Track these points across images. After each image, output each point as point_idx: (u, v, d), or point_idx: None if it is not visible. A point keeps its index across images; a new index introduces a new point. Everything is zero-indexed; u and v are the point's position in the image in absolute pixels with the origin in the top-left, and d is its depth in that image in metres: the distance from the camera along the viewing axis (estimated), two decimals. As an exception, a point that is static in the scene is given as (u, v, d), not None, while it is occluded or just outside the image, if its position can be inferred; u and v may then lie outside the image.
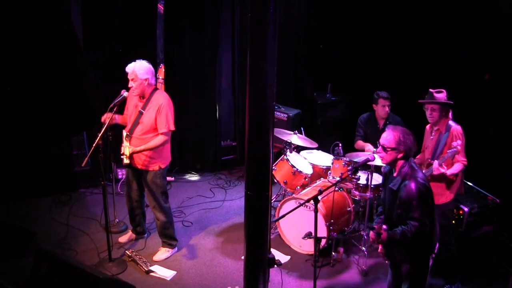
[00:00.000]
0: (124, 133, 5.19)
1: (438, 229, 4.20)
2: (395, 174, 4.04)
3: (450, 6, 6.18)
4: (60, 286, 4.06)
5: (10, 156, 6.42)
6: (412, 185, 3.84)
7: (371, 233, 3.99)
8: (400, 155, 3.96)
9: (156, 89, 5.21)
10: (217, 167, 7.91)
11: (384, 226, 3.93)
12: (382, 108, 6.16)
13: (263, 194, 3.73)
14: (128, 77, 5.04)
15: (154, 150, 5.14)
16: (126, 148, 5.09)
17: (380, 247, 4.13)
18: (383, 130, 6.17)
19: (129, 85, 5.05)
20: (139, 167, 5.23)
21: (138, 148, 5.07)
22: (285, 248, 5.75)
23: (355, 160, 5.72)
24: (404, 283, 4.19)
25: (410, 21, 6.83)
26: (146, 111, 5.09)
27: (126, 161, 5.10)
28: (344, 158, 5.76)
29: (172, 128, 5.16)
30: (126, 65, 5.07)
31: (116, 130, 5.60)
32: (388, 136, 4.00)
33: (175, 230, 5.67)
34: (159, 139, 5.10)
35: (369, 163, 4.85)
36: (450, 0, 6.20)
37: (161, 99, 5.10)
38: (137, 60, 5.06)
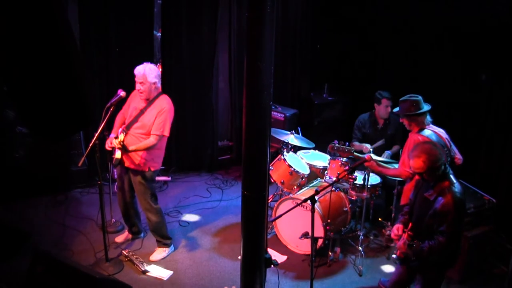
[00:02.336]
0: (119, 130, 5.17)
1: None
2: (432, 183, 3.96)
3: (448, 7, 6.19)
4: (57, 286, 4.05)
5: (6, 156, 6.40)
6: (450, 199, 3.79)
7: (405, 247, 3.89)
8: (440, 171, 3.89)
9: (161, 93, 5.22)
10: (214, 167, 7.91)
11: (410, 232, 3.89)
12: (384, 109, 6.17)
13: (260, 194, 3.73)
14: (136, 80, 5.04)
15: (146, 151, 5.12)
16: (121, 136, 5.02)
17: (399, 252, 4.08)
18: (382, 130, 6.24)
19: (137, 88, 5.05)
20: (130, 167, 5.22)
21: (130, 148, 5.05)
22: (282, 248, 5.75)
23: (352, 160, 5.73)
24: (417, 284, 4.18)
25: (407, 21, 6.84)
26: (147, 112, 5.09)
27: (118, 155, 5.05)
28: (341, 158, 5.76)
29: (166, 134, 5.14)
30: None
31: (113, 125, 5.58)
32: (417, 164, 3.89)
33: (168, 229, 5.65)
34: (150, 140, 5.07)
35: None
36: (447, 0, 6.22)
37: (165, 104, 5.11)
38: (145, 64, 5.07)
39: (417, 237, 3.92)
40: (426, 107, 4.84)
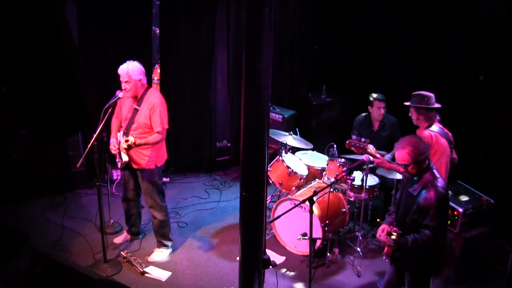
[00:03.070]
0: (120, 133, 5.18)
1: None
2: (416, 178, 4.00)
3: (447, 7, 6.20)
4: (55, 287, 4.04)
5: (4, 157, 6.40)
6: (432, 193, 3.82)
7: (386, 237, 3.93)
8: (424, 165, 3.94)
9: (148, 88, 5.22)
10: (212, 168, 7.91)
11: (397, 230, 3.91)
12: (377, 110, 6.18)
13: (258, 195, 3.73)
14: (121, 79, 5.04)
15: (151, 149, 5.15)
16: (131, 137, 5.05)
17: (386, 248, 4.12)
18: (378, 132, 6.23)
19: (123, 87, 5.05)
20: (136, 166, 5.23)
21: (139, 141, 5.07)
22: (280, 249, 5.75)
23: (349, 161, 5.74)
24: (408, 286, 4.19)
25: (407, 22, 6.84)
26: (140, 110, 5.11)
27: (125, 158, 5.08)
28: (339, 159, 5.77)
29: (166, 126, 5.19)
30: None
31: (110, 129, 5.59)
32: (401, 156, 3.94)
33: (171, 230, 5.66)
34: (156, 137, 5.12)
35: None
36: (446, 2, 6.23)
37: (155, 98, 5.13)
38: (128, 62, 5.06)
39: (402, 232, 3.95)
40: (436, 105, 4.89)
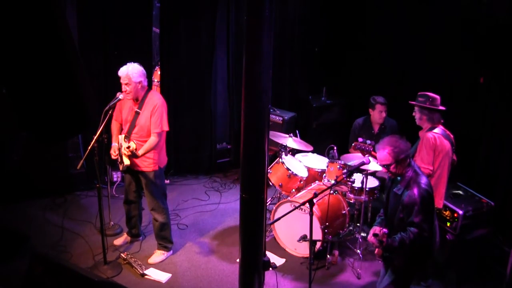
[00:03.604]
0: (122, 136, 5.17)
1: (438, 234, 4.21)
2: (399, 178, 4.04)
3: (447, 7, 6.21)
4: (55, 289, 4.05)
5: (4, 158, 6.40)
6: (415, 190, 3.85)
7: (373, 238, 3.99)
8: (406, 163, 3.96)
9: (149, 90, 5.21)
10: (212, 170, 7.91)
11: (385, 230, 3.94)
12: (379, 114, 6.18)
13: (258, 197, 3.73)
14: (122, 81, 5.01)
15: (154, 151, 5.14)
16: (132, 143, 5.05)
17: (376, 249, 4.14)
18: (378, 135, 6.24)
19: (123, 90, 5.03)
20: (138, 169, 5.23)
21: (141, 151, 5.06)
22: (280, 251, 5.75)
23: (349, 163, 5.73)
24: (389, 275, 4.21)
25: (406, 23, 6.85)
26: (142, 112, 5.09)
27: (126, 161, 5.08)
28: (339, 161, 5.77)
29: (166, 128, 5.16)
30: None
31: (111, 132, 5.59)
32: (382, 156, 3.99)
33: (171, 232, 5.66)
34: (152, 140, 5.08)
35: (363, 166, 4.85)
36: (447, 3, 6.24)
37: (156, 100, 5.11)
38: (128, 64, 5.04)
39: (391, 232, 3.98)
40: (440, 108, 4.92)
